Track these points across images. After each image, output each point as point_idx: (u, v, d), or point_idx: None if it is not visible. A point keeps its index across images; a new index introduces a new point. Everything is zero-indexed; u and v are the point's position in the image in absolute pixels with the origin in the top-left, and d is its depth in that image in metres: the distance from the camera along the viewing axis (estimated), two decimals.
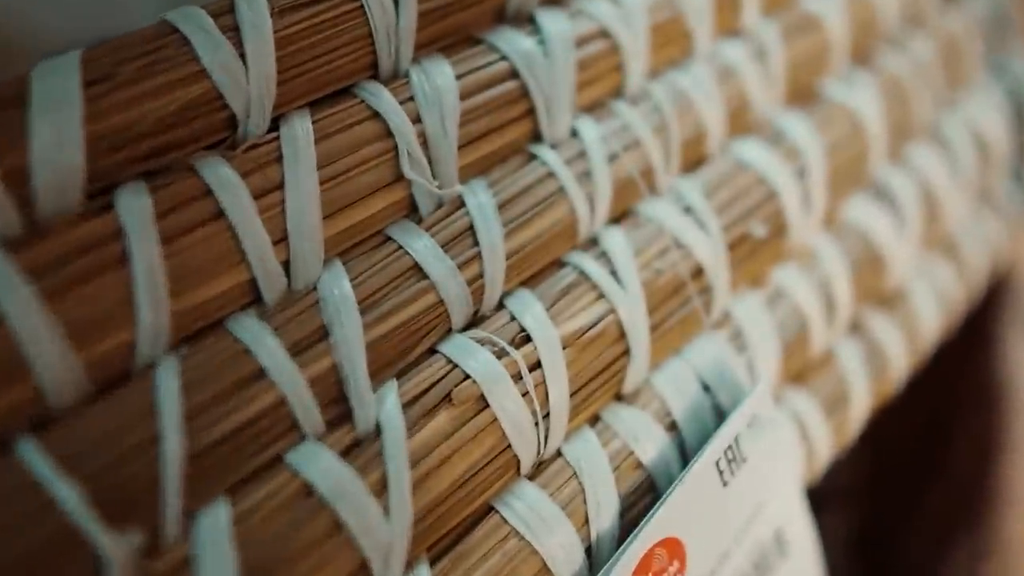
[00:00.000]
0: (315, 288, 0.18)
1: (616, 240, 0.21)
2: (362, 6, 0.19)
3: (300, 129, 0.18)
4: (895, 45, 0.32)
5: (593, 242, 0.22)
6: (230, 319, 0.17)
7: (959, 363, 0.37)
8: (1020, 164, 0.37)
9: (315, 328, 0.17)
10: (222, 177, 0.17)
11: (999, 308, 0.37)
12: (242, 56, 0.17)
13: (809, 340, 0.25)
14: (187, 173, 0.17)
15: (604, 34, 0.23)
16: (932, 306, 0.30)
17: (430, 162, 0.19)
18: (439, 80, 0.20)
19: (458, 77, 0.20)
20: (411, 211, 0.19)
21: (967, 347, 0.36)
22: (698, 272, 0.23)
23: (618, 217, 0.22)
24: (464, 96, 0.20)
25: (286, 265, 0.17)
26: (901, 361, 0.28)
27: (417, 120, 0.19)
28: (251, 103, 0.17)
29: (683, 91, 0.24)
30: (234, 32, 0.17)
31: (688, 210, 0.23)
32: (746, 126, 0.26)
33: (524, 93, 0.21)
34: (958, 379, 0.37)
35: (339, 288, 0.18)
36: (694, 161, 0.24)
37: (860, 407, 0.27)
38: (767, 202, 0.25)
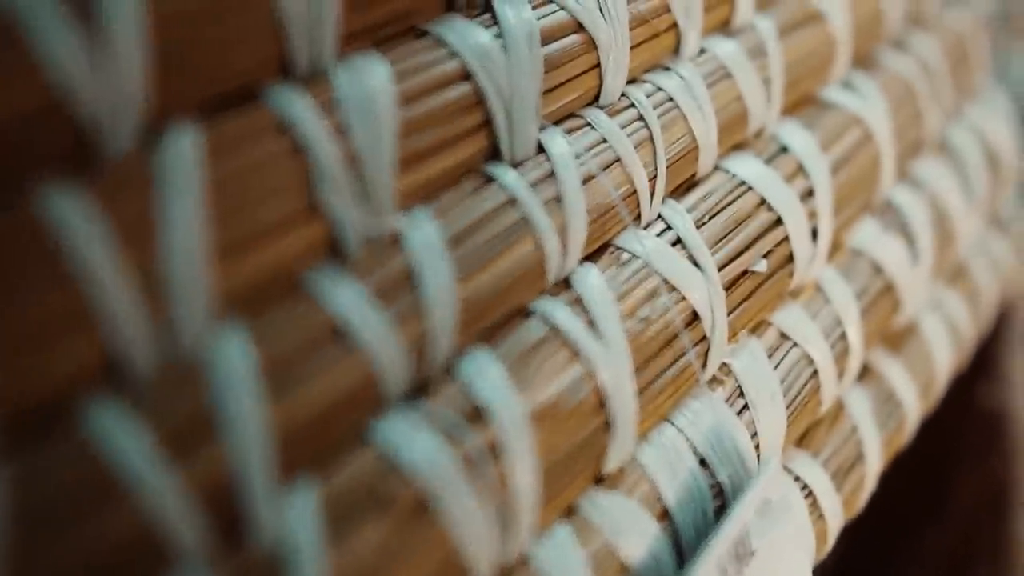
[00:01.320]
0: (201, 358, 0.13)
1: (593, 282, 0.19)
2: None
3: (183, 145, 0.14)
4: (899, 47, 0.28)
5: (565, 285, 0.19)
6: (81, 404, 0.13)
7: (961, 395, 0.33)
8: None
9: (198, 413, 0.13)
10: (70, 211, 0.13)
11: (1005, 336, 0.34)
12: (101, 46, 0.13)
13: (819, 395, 0.22)
14: (20, 206, 0.13)
15: (578, 27, 0.19)
16: (944, 342, 0.27)
17: (359, 187, 0.16)
18: (372, 81, 0.16)
19: (396, 79, 0.17)
20: (333, 251, 0.16)
21: (970, 377, 0.33)
22: (692, 319, 0.19)
23: (595, 253, 0.19)
24: (404, 102, 0.17)
25: (163, 327, 0.13)
26: (914, 408, 0.25)
27: (342, 133, 0.16)
28: (113, 110, 0.14)
29: (671, 97, 0.20)
30: (91, 13, 0.13)
31: (679, 242, 0.20)
32: (743, 139, 0.22)
33: (479, 99, 0.18)
34: (961, 413, 0.34)
35: (233, 357, 0.14)
36: (684, 182, 0.21)
37: (873, 468, 0.23)
38: (769, 231, 0.21)
